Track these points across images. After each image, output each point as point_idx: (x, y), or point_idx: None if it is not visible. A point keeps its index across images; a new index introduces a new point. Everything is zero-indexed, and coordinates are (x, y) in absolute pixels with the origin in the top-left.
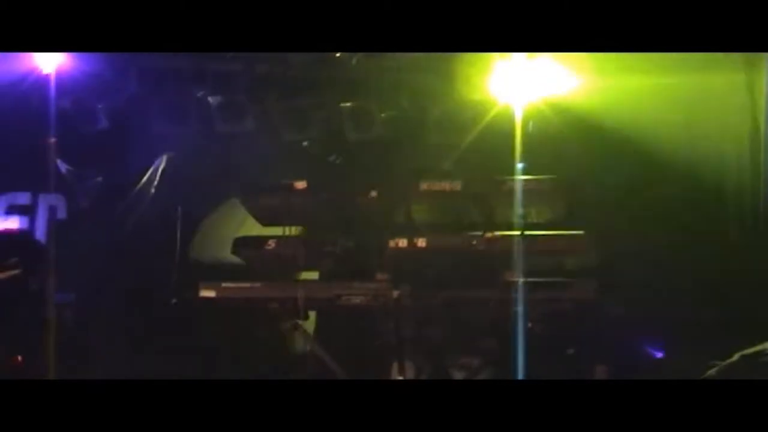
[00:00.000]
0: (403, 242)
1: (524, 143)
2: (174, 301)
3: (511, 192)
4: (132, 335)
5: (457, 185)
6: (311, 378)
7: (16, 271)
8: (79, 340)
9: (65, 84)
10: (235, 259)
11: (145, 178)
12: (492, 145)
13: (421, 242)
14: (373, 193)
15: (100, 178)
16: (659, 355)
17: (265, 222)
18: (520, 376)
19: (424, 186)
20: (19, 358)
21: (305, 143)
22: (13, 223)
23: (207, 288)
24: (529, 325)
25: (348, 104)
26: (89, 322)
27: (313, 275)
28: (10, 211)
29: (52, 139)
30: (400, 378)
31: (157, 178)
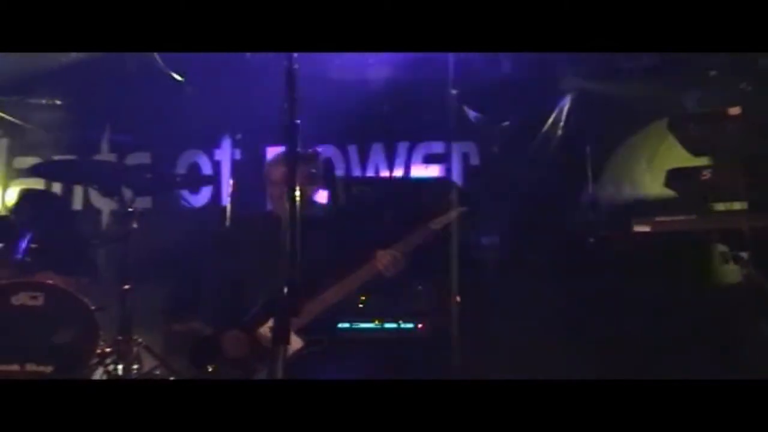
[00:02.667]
0: None
1: None
2: (592, 239)
3: None
4: (554, 275)
5: None
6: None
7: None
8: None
9: None
10: (663, 192)
11: (551, 119)
12: None
13: None
14: None
15: (507, 123)
16: None
17: (696, 151)
18: None
19: None
20: (458, 298)
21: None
22: (431, 171)
23: (640, 223)
24: None
25: None
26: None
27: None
28: (428, 160)
29: (455, 90)
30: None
31: (563, 118)
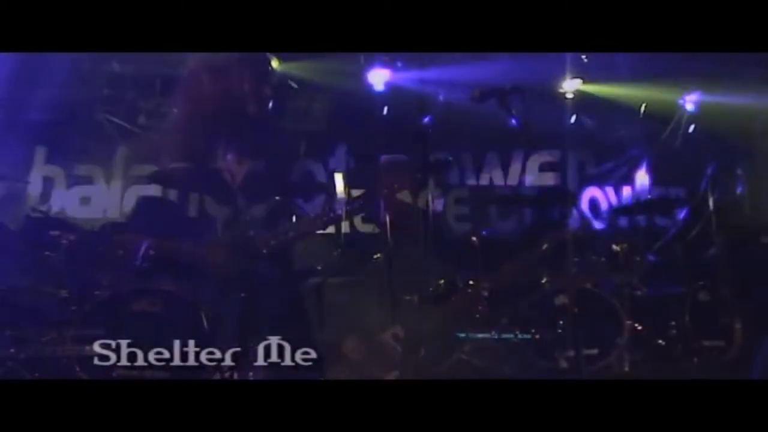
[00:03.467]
0: None
1: None
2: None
3: None
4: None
5: None
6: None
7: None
8: None
9: None
10: None
11: (669, 128)
12: None
13: None
14: None
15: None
16: None
17: None
18: None
19: None
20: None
21: None
22: (544, 180)
23: None
24: None
25: None
26: None
27: None
28: (543, 168)
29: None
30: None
31: (682, 126)
